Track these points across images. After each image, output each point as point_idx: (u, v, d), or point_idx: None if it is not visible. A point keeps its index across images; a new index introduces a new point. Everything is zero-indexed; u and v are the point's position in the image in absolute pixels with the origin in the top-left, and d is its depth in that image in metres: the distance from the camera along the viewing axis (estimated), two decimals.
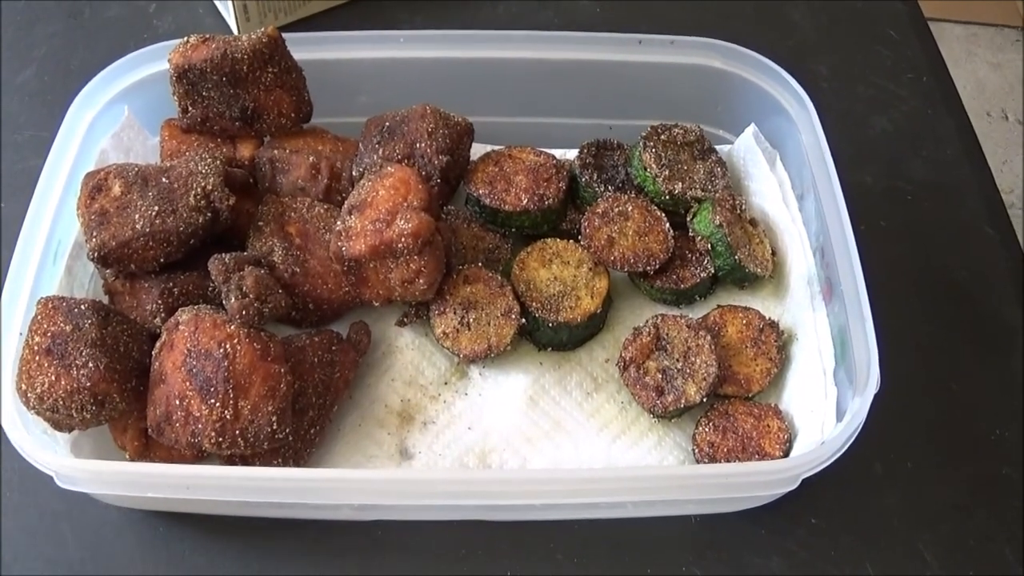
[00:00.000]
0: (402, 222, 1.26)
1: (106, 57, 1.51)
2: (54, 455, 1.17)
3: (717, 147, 1.55)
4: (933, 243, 1.61)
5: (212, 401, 1.16)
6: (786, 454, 1.29)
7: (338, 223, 1.31)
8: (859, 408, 1.19)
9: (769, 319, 1.40)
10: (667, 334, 1.36)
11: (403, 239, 1.25)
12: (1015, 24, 3.80)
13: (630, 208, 1.45)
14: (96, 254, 1.28)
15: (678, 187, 1.45)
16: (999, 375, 1.47)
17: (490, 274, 1.38)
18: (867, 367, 1.21)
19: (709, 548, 1.31)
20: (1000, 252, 1.60)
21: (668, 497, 1.27)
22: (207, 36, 1.40)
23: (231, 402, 1.16)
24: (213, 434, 1.16)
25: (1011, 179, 3.34)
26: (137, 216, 1.27)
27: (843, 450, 1.18)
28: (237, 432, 1.17)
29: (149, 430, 1.21)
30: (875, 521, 1.34)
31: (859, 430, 1.19)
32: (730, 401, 1.35)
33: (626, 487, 1.21)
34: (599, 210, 1.44)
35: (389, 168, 1.33)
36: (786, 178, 1.51)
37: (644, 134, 1.48)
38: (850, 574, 1.29)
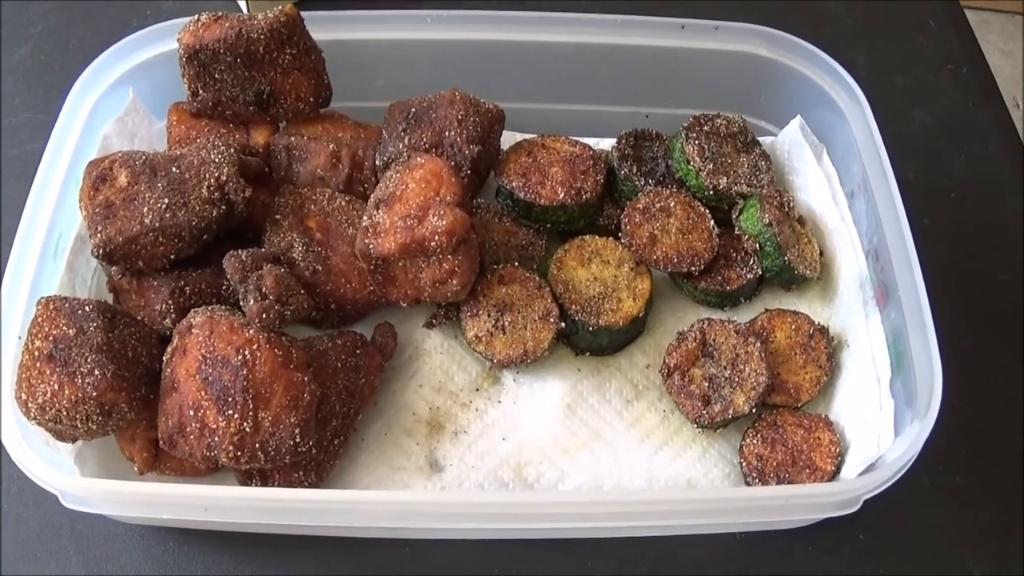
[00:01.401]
0: (435, 218, 1.18)
1: (106, 35, 1.44)
2: (59, 473, 1.09)
3: (759, 139, 1.48)
4: (976, 242, 1.55)
5: (230, 412, 1.08)
6: (837, 468, 1.23)
7: (365, 218, 1.22)
8: (920, 431, 1.13)
9: (819, 324, 1.33)
10: (714, 340, 1.29)
11: (436, 237, 1.17)
12: (1019, 11, 3.76)
13: (672, 204, 1.37)
14: (101, 250, 1.19)
15: (723, 182, 1.37)
16: None
17: (527, 274, 1.31)
18: (930, 388, 1.15)
19: (753, 567, 1.25)
20: None
21: (722, 520, 1.20)
22: (219, 14, 1.32)
23: (250, 413, 1.08)
24: (231, 448, 1.08)
25: None
26: (145, 209, 1.19)
27: (904, 471, 1.12)
28: (257, 445, 1.09)
29: (160, 442, 1.13)
30: (923, 538, 1.28)
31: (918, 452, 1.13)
32: (778, 411, 1.28)
33: (678, 510, 1.13)
34: (640, 205, 1.37)
35: (418, 159, 1.24)
36: (834, 174, 1.44)
37: (686, 124, 1.41)
38: None
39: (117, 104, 1.40)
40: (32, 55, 1.68)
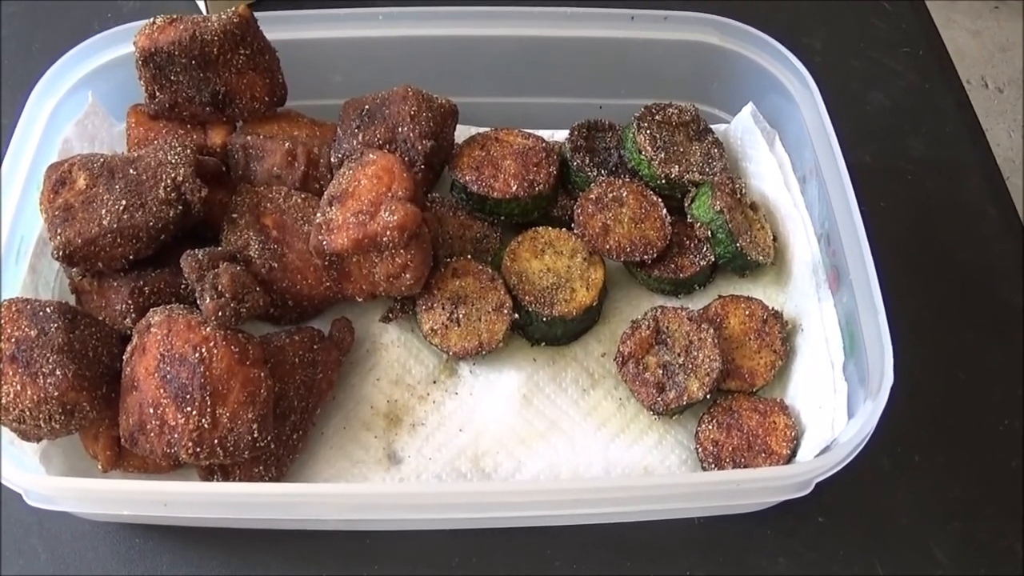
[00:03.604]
0: (387, 214, 1.19)
1: (69, 39, 1.44)
2: (24, 472, 1.11)
3: (712, 127, 1.49)
4: (935, 224, 1.56)
5: (188, 409, 1.09)
6: (793, 452, 1.25)
7: (318, 215, 1.24)
8: (872, 411, 1.14)
9: (772, 309, 1.34)
10: (667, 327, 1.30)
11: (388, 232, 1.18)
12: None
13: (625, 193, 1.38)
14: (61, 252, 1.21)
15: (675, 170, 1.39)
16: (1005, 362, 1.42)
17: (480, 267, 1.32)
18: (880, 369, 1.16)
19: (713, 551, 1.26)
20: (1002, 232, 1.56)
21: (676, 505, 1.21)
22: (174, 17, 1.33)
23: (208, 410, 1.10)
24: (190, 444, 1.09)
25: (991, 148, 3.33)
26: (104, 211, 1.21)
27: (856, 453, 1.13)
28: (216, 441, 1.10)
29: (122, 440, 1.14)
30: (884, 519, 1.29)
31: (872, 432, 1.14)
32: (734, 396, 1.30)
33: (632, 496, 1.14)
34: (592, 196, 1.38)
35: (371, 155, 1.26)
36: (786, 159, 1.45)
37: (638, 114, 1.42)
38: (859, 575, 1.25)
39: (77, 107, 1.41)
40: None
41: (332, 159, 1.35)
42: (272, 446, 1.16)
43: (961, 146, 1.66)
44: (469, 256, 1.34)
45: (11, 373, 1.10)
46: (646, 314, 1.32)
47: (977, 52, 3.56)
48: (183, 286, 1.25)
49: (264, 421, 1.13)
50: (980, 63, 3.53)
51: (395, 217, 1.18)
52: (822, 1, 1.86)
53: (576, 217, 1.37)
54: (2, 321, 1.13)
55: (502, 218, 1.40)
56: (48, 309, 1.13)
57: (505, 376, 1.32)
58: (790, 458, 1.24)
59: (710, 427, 1.27)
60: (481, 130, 1.45)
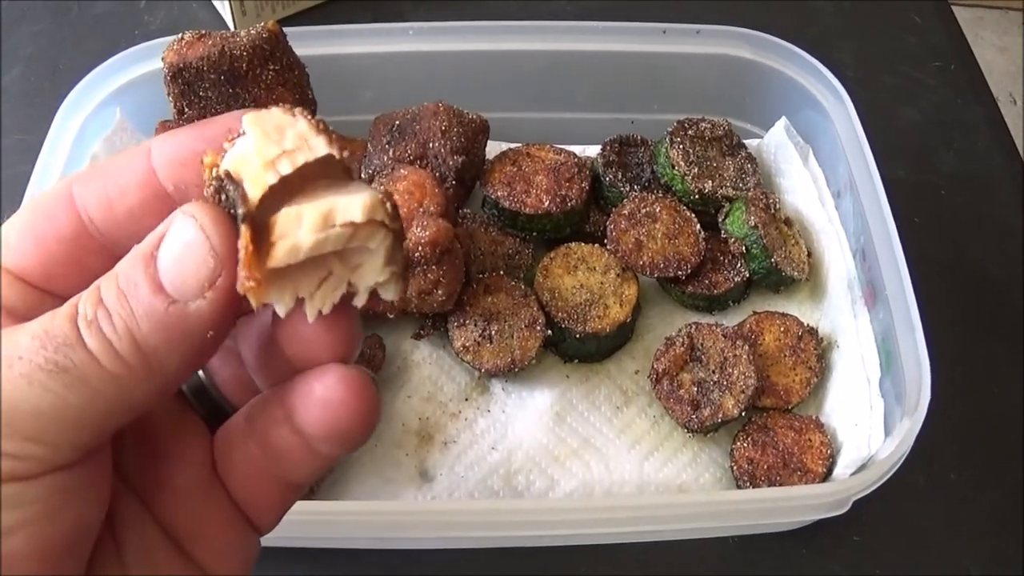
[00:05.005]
0: (418, 229, 1.18)
1: (95, 56, 1.43)
2: None
3: (745, 142, 1.47)
4: (967, 239, 1.54)
5: None
6: (829, 470, 1.23)
7: None
8: (910, 429, 1.12)
9: (808, 326, 1.33)
10: (702, 344, 1.29)
11: (420, 248, 1.17)
12: (1017, 7, 3.76)
13: (658, 209, 1.37)
14: None
15: (708, 185, 1.37)
16: None
17: (513, 283, 1.31)
18: (918, 386, 1.14)
19: (748, 570, 1.24)
20: None
21: (712, 524, 1.20)
22: (203, 32, 1.31)
23: None
24: None
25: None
26: None
27: (894, 470, 1.11)
28: None
29: None
30: (920, 537, 1.27)
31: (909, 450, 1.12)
32: (768, 414, 1.28)
33: (668, 515, 1.13)
34: (625, 212, 1.37)
35: (402, 170, 1.25)
36: (820, 174, 1.44)
37: (671, 129, 1.41)
38: None
39: (105, 124, 1.40)
40: (23, 77, 1.69)
41: (363, 175, 1.34)
42: None
43: (993, 161, 1.65)
44: (501, 272, 1.33)
45: None
46: (680, 331, 1.31)
47: (1005, 68, 3.54)
48: None
49: None
50: (1008, 80, 3.51)
51: (427, 232, 1.17)
52: (853, 16, 1.85)
53: (609, 233, 1.36)
54: None
55: (534, 234, 1.39)
56: None
57: (538, 393, 1.31)
58: (826, 476, 1.22)
59: (745, 445, 1.26)
60: (512, 146, 1.44)
